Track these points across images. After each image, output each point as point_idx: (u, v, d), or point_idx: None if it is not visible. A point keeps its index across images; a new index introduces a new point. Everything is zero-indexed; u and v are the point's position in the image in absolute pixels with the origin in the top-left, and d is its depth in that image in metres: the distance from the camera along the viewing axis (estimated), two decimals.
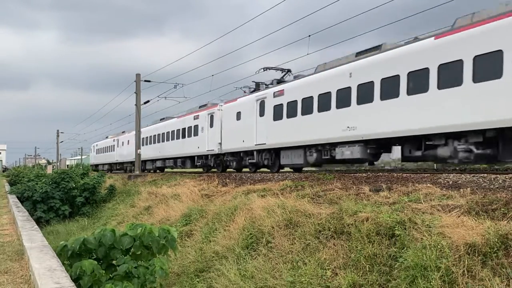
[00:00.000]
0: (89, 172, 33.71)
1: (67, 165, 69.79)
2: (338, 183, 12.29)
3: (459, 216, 7.33)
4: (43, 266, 5.80)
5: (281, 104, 18.16)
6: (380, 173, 13.60)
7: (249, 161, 21.20)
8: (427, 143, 12.65)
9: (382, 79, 13.38)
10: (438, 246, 6.60)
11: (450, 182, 9.98)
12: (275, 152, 19.22)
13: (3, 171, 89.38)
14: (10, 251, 8.00)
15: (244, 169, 23.49)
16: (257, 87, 22.08)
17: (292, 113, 17.53)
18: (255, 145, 19.86)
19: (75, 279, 5.83)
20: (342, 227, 8.71)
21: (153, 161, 35.57)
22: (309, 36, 20.60)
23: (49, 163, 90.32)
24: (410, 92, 12.55)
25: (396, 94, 12.94)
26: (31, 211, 22.12)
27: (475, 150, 11.37)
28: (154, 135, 34.79)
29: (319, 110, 16.00)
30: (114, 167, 49.46)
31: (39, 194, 24.20)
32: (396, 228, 7.63)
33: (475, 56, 11.00)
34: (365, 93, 13.96)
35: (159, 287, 7.02)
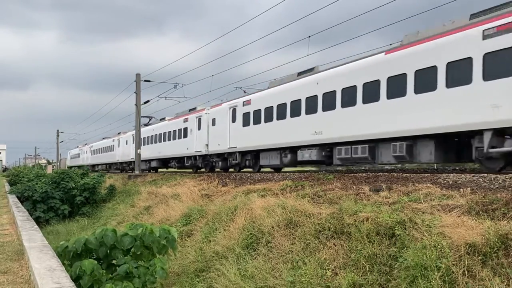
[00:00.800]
0: (89, 172, 33.77)
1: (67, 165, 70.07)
2: (338, 183, 12.29)
3: (459, 216, 7.33)
4: (43, 266, 5.79)
5: (143, 138, 36.30)
6: (380, 173, 13.63)
7: (130, 166, 40.56)
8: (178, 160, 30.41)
9: (173, 130, 30.55)
10: (438, 246, 6.60)
11: (450, 182, 9.98)
12: (150, 161, 35.95)
13: (3, 171, 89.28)
14: (10, 251, 7.99)
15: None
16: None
17: (147, 143, 35.57)
18: (130, 158, 38.83)
19: (75, 279, 5.83)
20: (342, 227, 8.71)
21: (95, 165, 55.65)
22: (309, 37, 20.81)
23: (49, 163, 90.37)
24: (177, 138, 29.70)
25: (175, 138, 30.06)
26: (31, 211, 22.11)
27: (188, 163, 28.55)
28: (95, 149, 56.07)
29: (158, 142, 33.44)
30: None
31: (39, 194, 24.18)
32: (396, 228, 7.63)
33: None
34: (171, 136, 30.85)
35: (159, 287, 7.02)
